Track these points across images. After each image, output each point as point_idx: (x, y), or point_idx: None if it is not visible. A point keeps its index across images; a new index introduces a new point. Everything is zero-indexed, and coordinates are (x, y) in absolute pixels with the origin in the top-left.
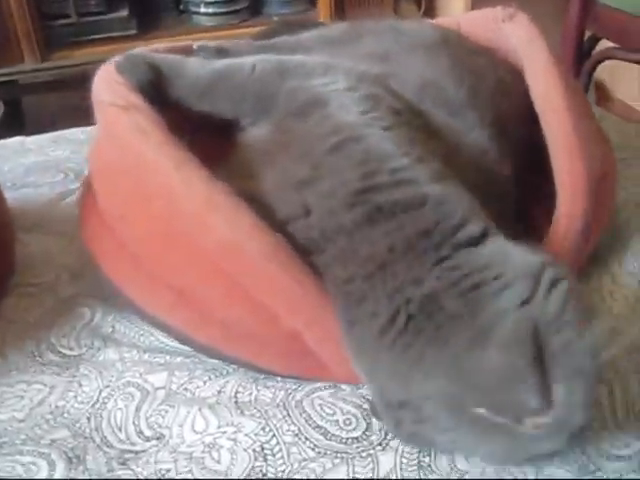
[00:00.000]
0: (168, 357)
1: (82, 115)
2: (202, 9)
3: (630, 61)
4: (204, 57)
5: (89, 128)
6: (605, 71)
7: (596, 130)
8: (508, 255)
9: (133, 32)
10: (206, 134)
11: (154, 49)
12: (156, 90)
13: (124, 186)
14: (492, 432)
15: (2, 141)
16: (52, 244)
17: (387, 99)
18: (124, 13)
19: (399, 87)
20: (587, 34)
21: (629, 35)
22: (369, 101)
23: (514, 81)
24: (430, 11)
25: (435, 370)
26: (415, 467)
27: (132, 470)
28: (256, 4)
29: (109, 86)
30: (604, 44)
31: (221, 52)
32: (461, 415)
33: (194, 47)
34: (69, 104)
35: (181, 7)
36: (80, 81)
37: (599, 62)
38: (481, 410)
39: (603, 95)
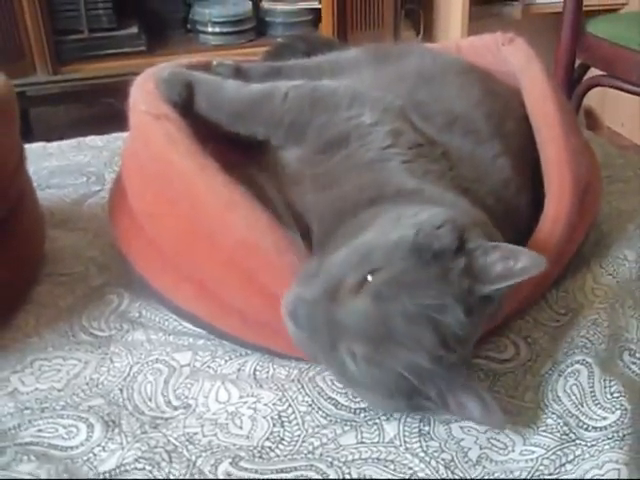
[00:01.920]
0: (192, 339)
1: (89, 128)
2: (209, 28)
3: (617, 88)
4: (223, 74)
5: (106, 136)
6: (595, 99)
7: (583, 144)
8: None
9: (142, 49)
10: (226, 143)
11: (180, 64)
12: (186, 106)
13: (153, 187)
14: None
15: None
16: (79, 239)
17: (408, 134)
18: (134, 30)
19: (426, 117)
20: (578, 62)
21: (614, 64)
22: (391, 137)
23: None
24: (428, 36)
25: None
26: (416, 434)
27: (162, 433)
28: (262, 25)
29: (145, 95)
30: (594, 72)
31: (239, 71)
32: None
33: (213, 63)
34: (76, 117)
35: (189, 26)
36: (88, 95)
37: (589, 89)
38: None
39: (593, 122)
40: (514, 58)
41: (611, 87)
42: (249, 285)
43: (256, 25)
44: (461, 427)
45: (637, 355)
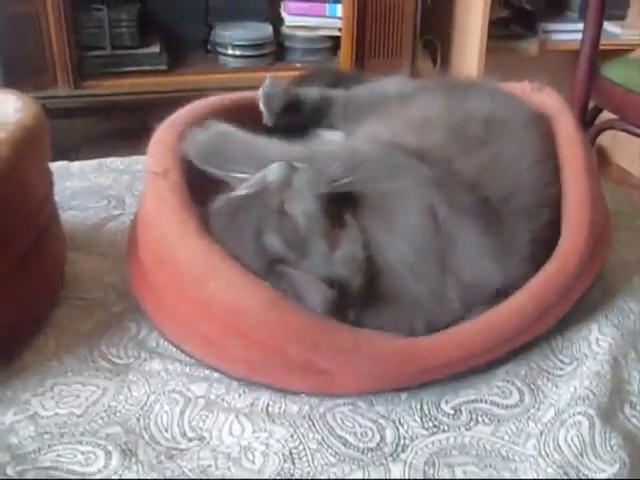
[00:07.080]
0: (207, 371)
1: (105, 144)
2: (229, 51)
3: (629, 133)
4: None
5: (127, 159)
6: (606, 136)
7: (601, 193)
8: None
9: (163, 67)
10: None
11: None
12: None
13: (152, 241)
14: None
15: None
16: (98, 264)
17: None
18: (155, 49)
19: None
20: (592, 104)
21: (626, 109)
22: None
23: None
24: (445, 66)
25: None
26: (421, 476)
27: (177, 464)
28: (281, 51)
29: (152, 151)
30: (607, 114)
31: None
32: None
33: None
34: (93, 131)
35: (209, 47)
36: (107, 110)
37: (601, 131)
38: None
39: (603, 159)
40: (546, 104)
41: (623, 131)
42: (245, 340)
43: (276, 49)
44: (464, 471)
45: (638, 408)
